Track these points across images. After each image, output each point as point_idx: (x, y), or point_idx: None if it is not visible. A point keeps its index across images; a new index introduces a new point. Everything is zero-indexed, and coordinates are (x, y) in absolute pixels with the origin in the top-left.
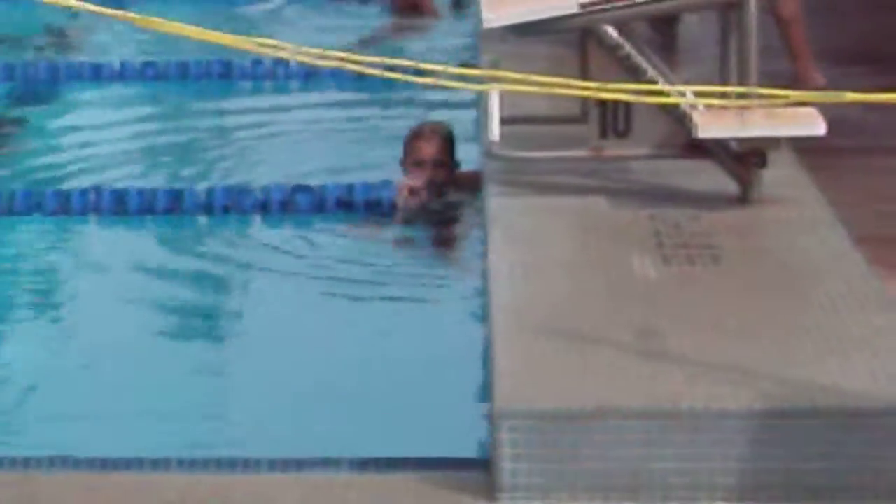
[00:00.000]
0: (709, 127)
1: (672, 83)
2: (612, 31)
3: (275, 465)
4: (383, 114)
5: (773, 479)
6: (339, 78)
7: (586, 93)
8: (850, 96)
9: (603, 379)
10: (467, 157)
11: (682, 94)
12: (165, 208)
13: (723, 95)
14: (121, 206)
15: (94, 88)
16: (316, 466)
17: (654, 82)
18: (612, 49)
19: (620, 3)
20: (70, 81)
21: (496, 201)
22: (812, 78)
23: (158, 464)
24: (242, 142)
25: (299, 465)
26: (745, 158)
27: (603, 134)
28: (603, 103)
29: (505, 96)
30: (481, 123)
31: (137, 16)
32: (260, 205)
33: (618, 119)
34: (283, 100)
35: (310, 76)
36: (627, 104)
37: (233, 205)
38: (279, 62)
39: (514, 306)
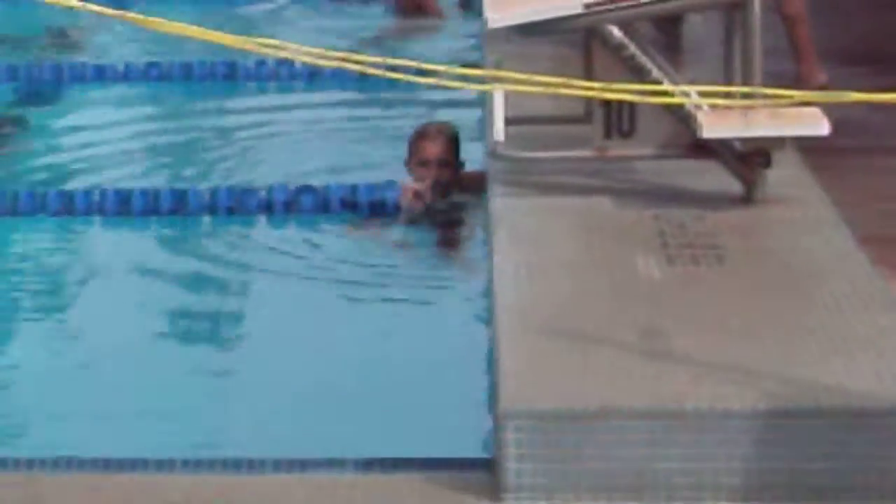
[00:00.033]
0: (713, 127)
1: (676, 83)
2: (616, 31)
3: (279, 465)
4: (387, 114)
5: (778, 479)
6: (342, 78)
7: (590, 93)
8: (854, 96)
9: (607, 379)
10: (472, 156)
11: (687, 95)
12: (169, 209)
13: (727, 95)
14: (124, 207)
15: (97, 89)
16: (320, 467)
17: (659, 82)
18: (616, 49)
19: (624, 3)
20: (73, 82)
21: (500, 202)
22: (814, 77)
23: (163, 464)
24: (246, 142)
25: (304, 465)
26: (750, 158)
27: (607, 134)
28: (607, 103)
29: (509, 97)
30: (486, 124)
31: (140, 16)
32: (264, 205)
33: (622, 119)
34: (286, 100)
35: (313, 77)
36: (632, 104)
37: (237, 205)
38: (283, 63)
39: (519, 306)
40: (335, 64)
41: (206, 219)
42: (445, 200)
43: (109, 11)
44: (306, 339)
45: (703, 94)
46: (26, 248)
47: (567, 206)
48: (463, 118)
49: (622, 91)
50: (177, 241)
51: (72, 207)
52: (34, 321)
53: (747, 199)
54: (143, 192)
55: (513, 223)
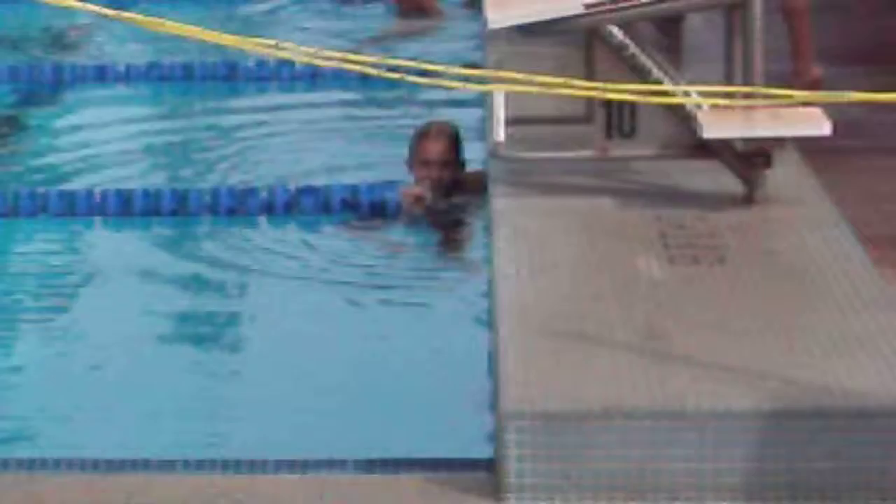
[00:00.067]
0: (714, 127)
1: (677, 83)
2: (616, 32)
3: (281, 465)
4: (388, 114)
5: (780, 479)
6: (343, 79)
7: (591, 93)
8: (855, 96)
9: (609, 379)
10: (474, 156)
11: (688, 95)
12: (170, 209)
13: (728, 96)
14: (126, 208)
15: (98, 90)
16: (321, 467)
17: (660, 82)
18: (617, 49)
19: (625, 4)
20: (74, 82)
21: (502, 202)
22: (809, 71)
23: (163, 465)
24: (247, 143)
25: (304, 465)
26: (751, 158)
27: (608, 134)
28: (608, 104)
29: (510, 97)
30: (487, 124)
31: (138, 16)
32: (265, 206)
33: (623, 119)
34: (287, 101)
35: (314, 77)
36: (633, 105)
37: (238, 206)
38: (284, 63)
39: (520, 307)
40: (335, 64)
41: (207, 219)
42: (446, 201)
43: (108, 12)
44: (308, 340)
45: (703, 95)
46: (27, 248)
47: (568, 206)
48: (464, 118)
49: (623, 91)
50: (178, 242)
51: (73, 208)
52: (35, 322)
53: (748, 199)
54: (145, 193)
55: (514, 223)
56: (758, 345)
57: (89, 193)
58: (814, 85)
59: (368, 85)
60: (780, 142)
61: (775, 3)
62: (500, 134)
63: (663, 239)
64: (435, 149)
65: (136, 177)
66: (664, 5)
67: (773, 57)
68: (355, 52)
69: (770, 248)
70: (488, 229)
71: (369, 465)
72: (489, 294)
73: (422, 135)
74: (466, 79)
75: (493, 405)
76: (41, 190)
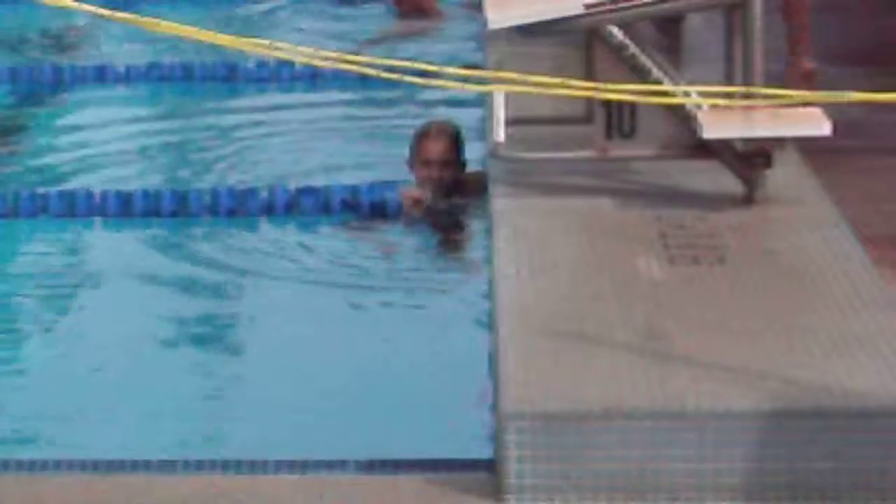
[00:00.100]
0: (714, 127)
1: (677, 83)
2: (616, 32)
3: (281, 466)
4: (388, 114)
5: (780, 479)
6: (343, 79)
7: (591, 93)
8: (855, 96)
9: (609, 380)
10: (474, 156)
11: (688, 95)
12: (171, 210)
13: (728, 96)
14: (126, 209)
15: (98, 90)
16: (321, 468)
17: (660, 83)
18: (616, 49)
19: (625, 4)
20: (74, 83)
21: (502, 202)
22: (802, 64)
23: (164, 466)
24: (247, 144)
25: (305, 466)
26: (751, 159)
27: (608, 135)
28: (608, 104)
29: (510, 97)
30: (487, 124)
31: (136, 17)
32: (265, 206)
33: (623, 120)
34: (287, 101)
35: (314, 78)
36: (633, 105)
37: (238, 207)
38: (284, 64)
39: (521, 307)
40: (334, 65)
41: (208, 220)
42: (447, 201)
43: (106, 12)
44: (308, 340)
45: (703, 95)
46: (27, 249)
47: (568, 206)
48: (465, 118)
49: (623, 91)
50: (178, 243)
51: (73, 209)
52: (36, 323)
53: (748, 200)
54: (145, 194)
55: (514, 224)
56: (758, 345)
57: (89, 194)
58: (806, 77)
59: (368, 85)
60: (780, 142)
61: (775, 3)
62: (500, 134)
63: (663, 239)
64: (436, 149)
65: (136, 177)
66: (664, 5)
67: (773, 57)
68: (355, 53)
69: (770, 248)
70: (488, 230)
71: (369, 466)
72: (489, 294)
73: (422, 134)
74: (466, 79)
75: (494, 405)
76: (41, 191)
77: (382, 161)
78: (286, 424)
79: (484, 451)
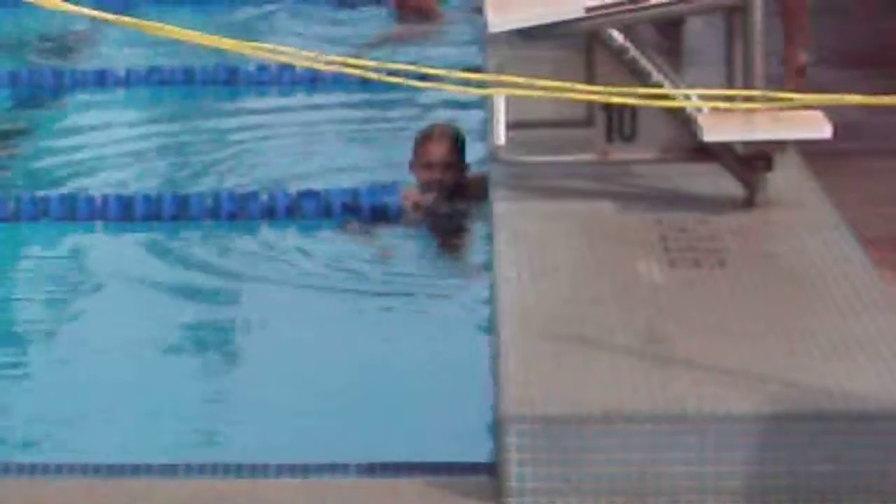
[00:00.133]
0: (714, 130)
1: (678, 87)
2: (617, 35)
3: (281, 470)
4: (389, 117)
5: (780, 482)
6: (344, 83)
7: (592, 97)
8: (855, 99)
9: (609, 383)
10: (477, 158)
11: (688, 98)
12: (172, 214)
13: (728, 99)
14: (127, 213)
15: (99, 94)
16: (322, 471)
17: (660, 86)
18: (617, 53)
19: (626, 7)
20: (75, 87)
21: (502, 206)
22: (796, 58)
23: (165, 469)
24: (248, 147)
25: (305, 470)
26: (751, 161)
27: (609, 138)
28: (609, 107)
29: (511, 101)
30: (488, 127)
31: (136, 20)
32: (266, 210)
33: (624, 123)
34: (288, 105)
35: (315, 81)
36: (633, 108)
37: (239, 210)
38: (285, 68)
39: (521, 311)
40: (336, 69)
41: (208, 224)
42: (448, 204)
43: (111, 17)
44: (309, 344)
45: (704, 98)
46: (28, 253)
47: (569, 209)
48: (467, 120)
49: (624, 95)
50: (179, 246)
51: (74, 213)
52: (36, 326)
53: (749, 203)
54: (146, 198)
55: (514, 227)
56: (758, 348)
57: (90, 198)
58: (799, 72)
59: (369, 89)
60: (780, 145)
61: (776, 6)
62: (501, 137)
63: (664, 242)
64: (438, 151)
65: (137, 181)
66: (665, 9)
67: (773, 60)
68: (355, 57)
69: (771, 251)
70: (489, 233)
71: (370, 469)
72: (490, 298)
73: (425, 137)
74: (467, 83)
75: (494, 409)
76: (42, 194)
77: (383, 164)
78: (287, 428)
79: (485, 455)
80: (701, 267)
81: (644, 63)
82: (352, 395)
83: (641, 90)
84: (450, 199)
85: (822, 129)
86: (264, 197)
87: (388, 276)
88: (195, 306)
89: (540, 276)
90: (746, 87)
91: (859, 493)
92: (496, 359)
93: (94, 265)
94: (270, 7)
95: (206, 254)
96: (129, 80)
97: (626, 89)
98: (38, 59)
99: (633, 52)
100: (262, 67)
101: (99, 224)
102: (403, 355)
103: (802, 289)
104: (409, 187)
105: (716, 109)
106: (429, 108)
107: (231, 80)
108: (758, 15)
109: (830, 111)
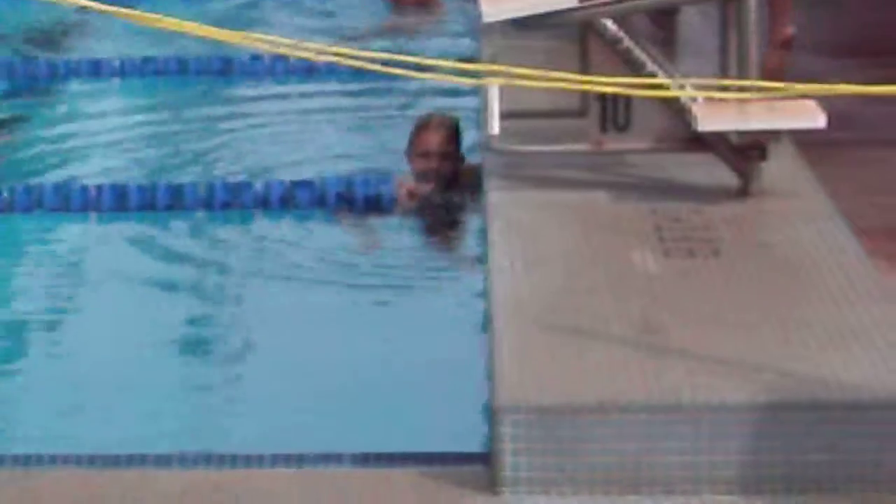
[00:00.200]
0: (709, 120)
1: (672, 76)
2: (611, 25)
3: (276, 460)
4: (384, 107)
5: (775, 471)
6: (338, 73)
7: (586, 86)
8: (849, 88)
9: (604, 373)
10: (474, 146)
11: (682, 88)
12: (165, 204)
13: (723, 88)
14: (121, 202)
15: (93, 84)
16: (317, 461)
17: (654, 76)
18: (611, 42)
19: None
20: (69, 77)
21: (496, 196)
22: (782, 31)
23: (160, 460)
24: (242, 137)
25: (300, 460)
26: (746, 151)
27: (603, 128)
28: (603, 97)
29: (504, 90)
30: (482, 117)
31: (130, 11)
32: (260, 200)
33: (618, 113)
34: (282, 95)
35: (309, 71)
36: (627, 98)
37: (233, 200)
38: (279, 57)
39: (515, 300)
40: (331, 59)
41: (203, 213)
42: (443, 194)
43: (103, 7)
44: (302, 334)
45: (698, 87)
46: (23, 244)
47: (563, 199)
48: (464, 109)
49: (618, 84)
50: (173, 236)
51: (68, 203)
52: (30, 317)
53: (743, 192)
54: (140, 188)
55: (508, 217)
56: (753, 337)
57: (84, 188)
58: (784, 44)
59: (363, 78)
60: (774, 134)
61: None
62: (495, 127)
63: (658, 232)
64: (434, 140)
65: (131, 171)
66: None
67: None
68: (351, 46)
69: (765, 240)
70: (483, 223)
71: (365, 459)
72: (484, 288)
73: (421, 126)
74: (461, 73)
75: (489, 399)
76: (36, 184)
77: (378, 154)
78: (281, 418)
79: (479, 445)
80: (695, 257)
81: (638, 53)
82: (346, 385)
83: (635, 80)
84: (446, 189)
85: (816, 119)
86: (258, 186)
87: (383, 266)
88: (189, 297)
89: (534, 266)
90: (741, 76)
91: (854, 482)
92: (490, 349)
93: (88, 255)
94: None
95: (200, 243)
96: (123, 70)
97: (620, 79)
98: (32, 50)
99: (628, 41)
100: (256, 57)
101: (93, 214)
102: (397, 345)
103: (797, 278)
104: (403, 175)
105: (710, 99)
106: (424, 97)
107: (225, 69)
108: (752, 4)
109: (824, 101)
